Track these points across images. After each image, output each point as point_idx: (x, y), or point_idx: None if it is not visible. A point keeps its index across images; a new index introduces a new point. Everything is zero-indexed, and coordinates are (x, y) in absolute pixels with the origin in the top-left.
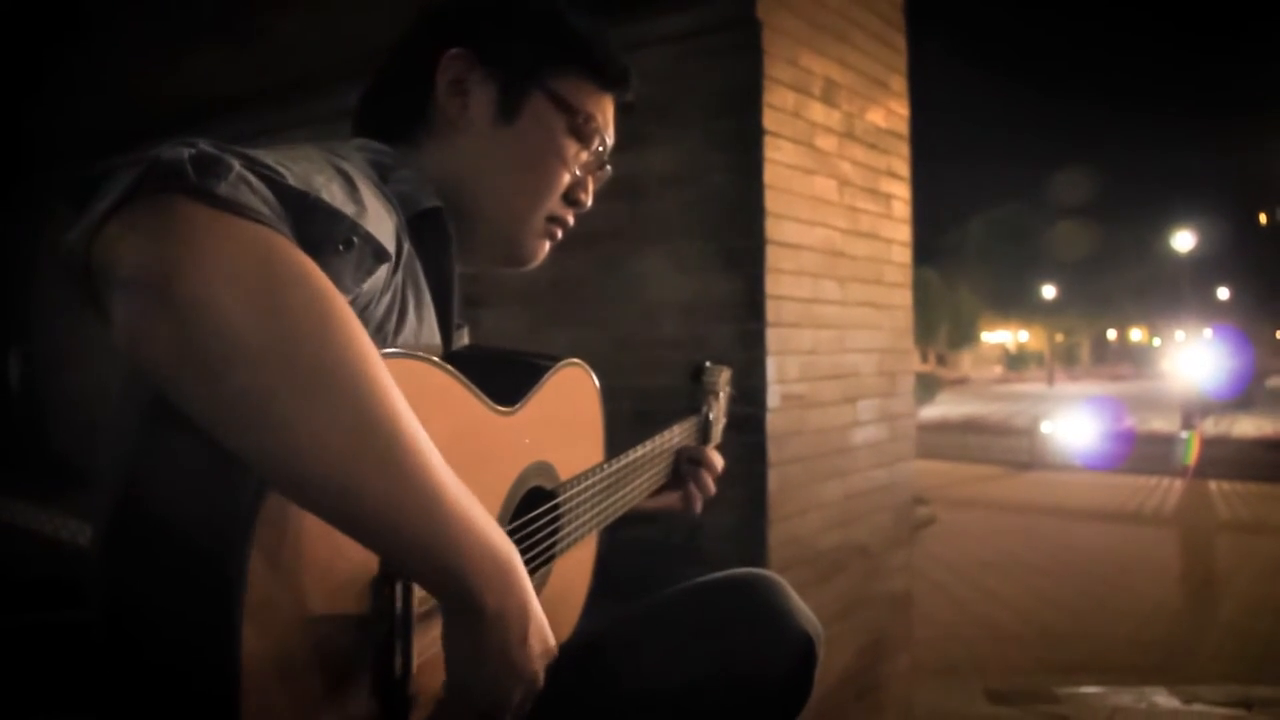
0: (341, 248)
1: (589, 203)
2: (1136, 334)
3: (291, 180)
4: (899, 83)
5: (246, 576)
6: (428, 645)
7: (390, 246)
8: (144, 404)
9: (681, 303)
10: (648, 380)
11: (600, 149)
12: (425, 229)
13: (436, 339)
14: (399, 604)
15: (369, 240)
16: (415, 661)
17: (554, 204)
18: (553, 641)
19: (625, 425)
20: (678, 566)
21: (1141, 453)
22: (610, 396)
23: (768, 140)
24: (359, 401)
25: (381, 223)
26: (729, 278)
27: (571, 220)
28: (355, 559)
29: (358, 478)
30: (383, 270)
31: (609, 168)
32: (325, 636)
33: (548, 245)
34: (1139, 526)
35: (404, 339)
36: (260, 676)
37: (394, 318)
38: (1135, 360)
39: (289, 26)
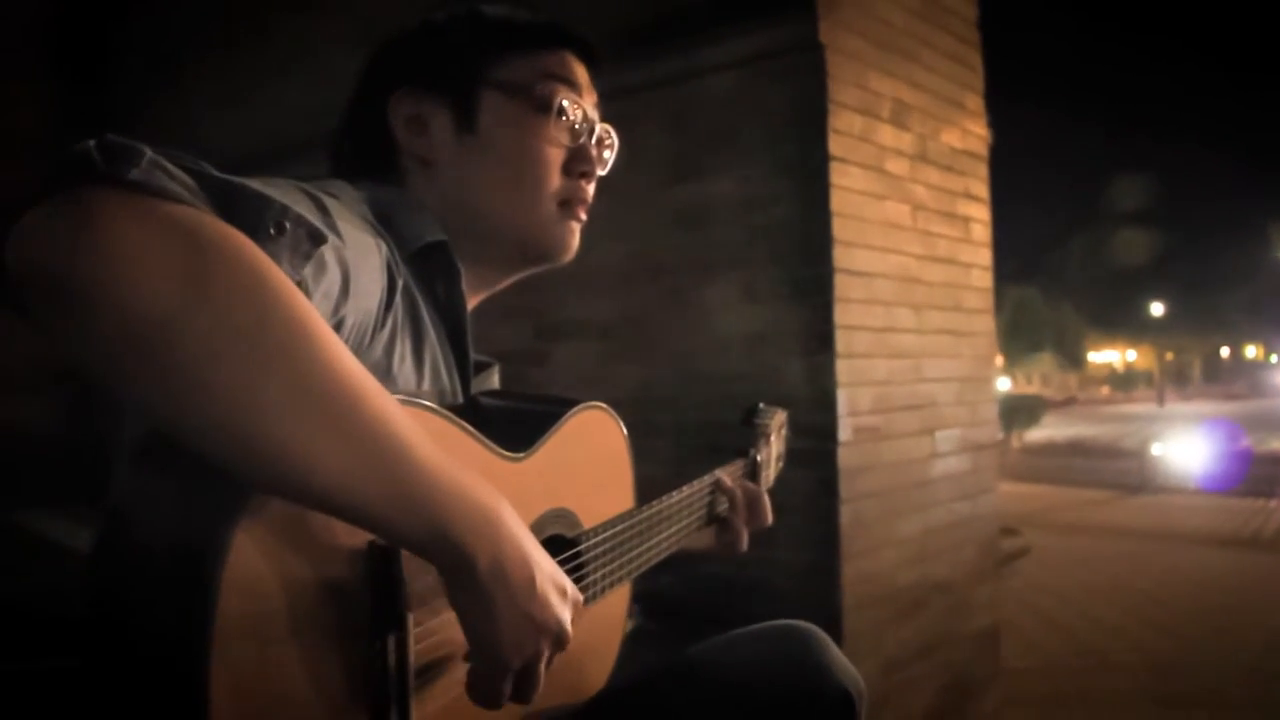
0: (273, 231)
1: (598, 169)
2: (1251, 350)
3: (214, 171)
4: (975, 101)
5: (214, 630)
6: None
7: (379, 281)
8: (133, 440)
9: (749, 335)
10: (717, 414)
11: (578, 109)
12: (431, 264)
13: (445, 381)
14: (392, 658)
15: (301, 223)
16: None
17: (558, 186)
18: (572, 587)
19: (696, 460)
20: (749, 604)
21: (1260, 474)
22: (680, 431)
23: (834, 166)
24: (305, 364)
25: (365, 255)
26: (797, 308)
27: (590, 193)
28: (340, 611)
29: (317, 442)
30: (373, 304)
31: (607, 128)
32: (312, 691)
33: (575, 227)
34: (1257, 552)
35: (404, 381)
36: None
37: (394, 358)
38: (1251, 378)
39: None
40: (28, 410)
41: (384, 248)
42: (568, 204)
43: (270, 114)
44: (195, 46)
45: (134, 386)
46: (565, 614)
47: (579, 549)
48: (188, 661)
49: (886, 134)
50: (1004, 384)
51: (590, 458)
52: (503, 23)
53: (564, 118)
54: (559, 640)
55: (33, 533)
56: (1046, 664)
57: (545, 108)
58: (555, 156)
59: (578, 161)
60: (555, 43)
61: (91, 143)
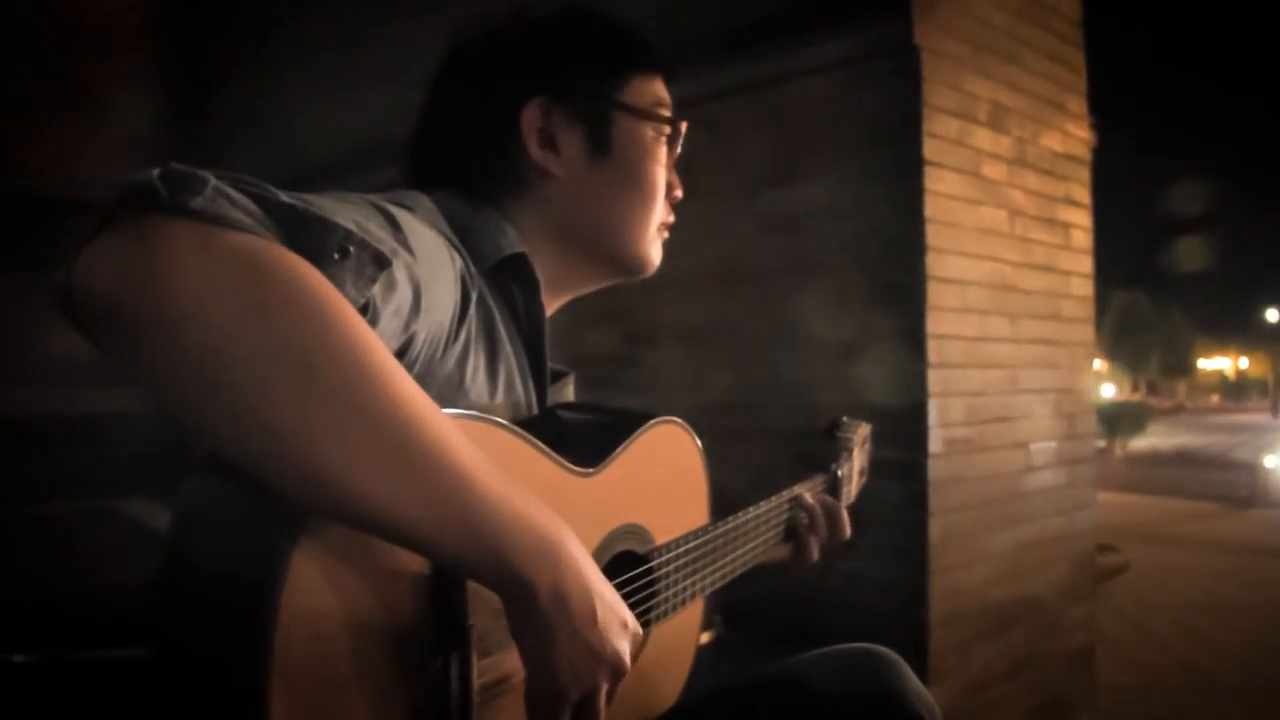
0: (337, 256)
1: (681, 193)
2: None
3: (283, 196)
4: (1077, 103)
5: (273, 653)
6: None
7: (451, 295)
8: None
9: (839, 342)
10: (804, 422)
11: (679, 136)
12: (510, 277)
13: (520, 393)
14: (455, 676)
15: (365, 246)
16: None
17: (662, 209)
18: (632, 620)
19: (785, 470)
20: (833, 617)
21: None
22: (768, 438)
23: (929, 171)
24: (362, 391)
25: (438, 269)
26: (888, 316)
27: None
28: (401, 633)
29: (374, 470)
30: (445, 318)
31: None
32: (372, 715)
33: (661, 245)
34: None
35: (476, 393)
36: None
37: (466, 370)
38: None
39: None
40: (129, 401)
41: (458, 260)
42: (661, 224)
43: (374, 115)
44: (299, 49)
45: (191, 412)
46: (625, 646)
47: (650, 565)
48: (247, 684)
49: (984, 138)
50: (1108, 390)
51: (664, 472)
52: (636, 42)
53: (675, 145)
54: (616, 672)
55: (136, 521)
56: (1146, 683)
57: (665, 134)
58: (664, 180)
59: (674, 186)
60: (661, 68)
61: (155, 171)
